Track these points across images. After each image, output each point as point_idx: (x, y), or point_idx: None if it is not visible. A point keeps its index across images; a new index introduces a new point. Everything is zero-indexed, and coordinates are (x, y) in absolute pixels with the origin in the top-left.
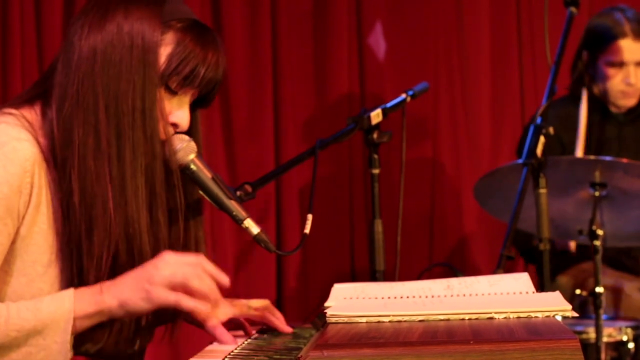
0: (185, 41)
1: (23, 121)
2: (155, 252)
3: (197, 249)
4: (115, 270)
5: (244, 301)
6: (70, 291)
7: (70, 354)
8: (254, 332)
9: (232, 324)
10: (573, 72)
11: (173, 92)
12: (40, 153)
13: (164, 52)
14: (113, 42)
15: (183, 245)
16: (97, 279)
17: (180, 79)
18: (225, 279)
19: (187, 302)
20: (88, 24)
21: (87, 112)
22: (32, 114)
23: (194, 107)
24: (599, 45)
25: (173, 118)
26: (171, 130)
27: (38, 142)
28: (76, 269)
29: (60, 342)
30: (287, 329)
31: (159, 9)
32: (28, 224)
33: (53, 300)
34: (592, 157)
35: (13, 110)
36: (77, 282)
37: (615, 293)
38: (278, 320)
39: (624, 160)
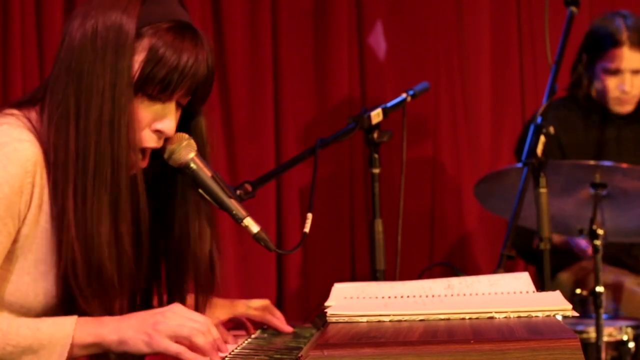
0: (157, 47)
1: (25, 121)
2: (119, 265)
3: (210, 249)
4: (78, 284)
5: (244, 301)
6: (73, 318)
7: None
8: (254, 331)
9: (232, 324)
10: (573, 73)
11: (154, 98)
12: (42, 154)
13: (138, 59)
14: (87, 51)
15: (190, 244)
16: (65, 292)
17: (155, 86)
18: (225, 348)
19: (187, 356)
20: (70, 31)
21: (60, 124)
22: (33, 114)
23: (192, 106)
24: (597, 50)
25: (157, 125)
26: (154, 137)
27: (40, 143)
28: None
29: None
30: (288, 328)
31: (135, 14)
32: (31, 223)
33: (54, 323)
34: (591, 162)
35: (15, 111)
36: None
37: (616, 288)
38: (278, 319)
39: (624, 165)
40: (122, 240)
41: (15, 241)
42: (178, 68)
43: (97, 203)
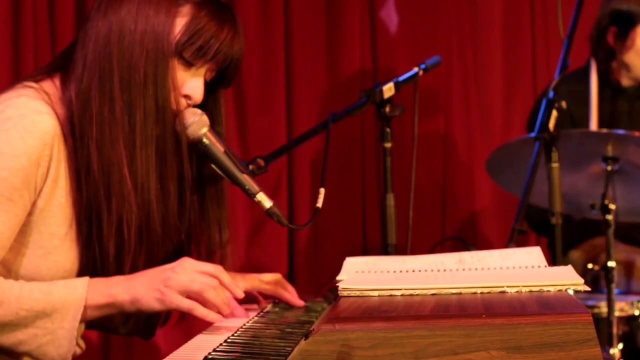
0: (201, 14)
1: (43, 94)
2: (164, 221)
3: (220, 232)
4: (129, 238)
5: (255, 275)
6: (85, 279)
7: (75, 342)
8: (266, 305)
9: (244, 298)
10: (595, 47)
11: (188, 63)
12: (59, 126)
13: (180, 22)
14: (130, 13)
15: (203, 226)
16: (117, 246)
17: (194, 50)
18: (240, 293)
19: (200, 311)
20: (107, 1)
21: (103, 82)
22: (51, 86)
23: (214, 86)
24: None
25: (186, 90)
26: (184, 101)
27: (57, 115)
28: (96, 238)
29: (67, 329)
30: (299, 302)
31: None
32: (46, 196)
33: (66, 285)
34: (604, 130)
35: (33, 84)
36: (98, 251)
37: (628, 266)
38: (290, 294)
39: (637, 133)
40: (168, 196)
41: (30, 214)
42: (219, 37)
43: (146, 158)
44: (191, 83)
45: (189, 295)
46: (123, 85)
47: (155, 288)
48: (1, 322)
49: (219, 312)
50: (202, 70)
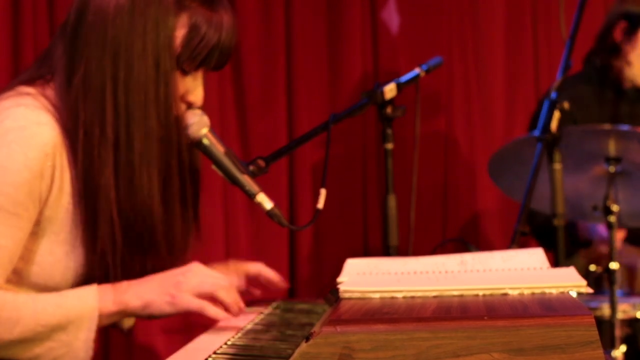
0: (198, 24)
1: (42, 100)
2: (168, 243)
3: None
4: (126, 263)
5: (233, 262)
6: (94, 288)
7: (91, 352)
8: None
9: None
10: (601, 42)
11: (187, 72)
12: (61, 133)
13: (179, 34)
14: (124, 24)
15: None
16: (102, 272)
17: (196, 63)
18: (242, 305)
19: (211, 311)
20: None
21: (94, 99)
22: (49, 91)
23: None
24: None
25: (189, 97)
26: (184, 107)
27: (58, 121)
28: (85, 261)
29: (82, 340)
30: (284, 283)
31: None
32: (53, 205)
33: (76, 296)
34: (606, 126)
35: (30, 90)
36: (85, 273)
37: (631, 271)
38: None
39: (639, 129)
40: (174, 217)
41: (37, 223)
42: (219, 46)
43: (147, 178)
44: (194, 90)
45: (200, 297)
46: (119, 106)
47: (166, 292)
48: (20, 339)
49: (228, 311)
50: (200, 73)
